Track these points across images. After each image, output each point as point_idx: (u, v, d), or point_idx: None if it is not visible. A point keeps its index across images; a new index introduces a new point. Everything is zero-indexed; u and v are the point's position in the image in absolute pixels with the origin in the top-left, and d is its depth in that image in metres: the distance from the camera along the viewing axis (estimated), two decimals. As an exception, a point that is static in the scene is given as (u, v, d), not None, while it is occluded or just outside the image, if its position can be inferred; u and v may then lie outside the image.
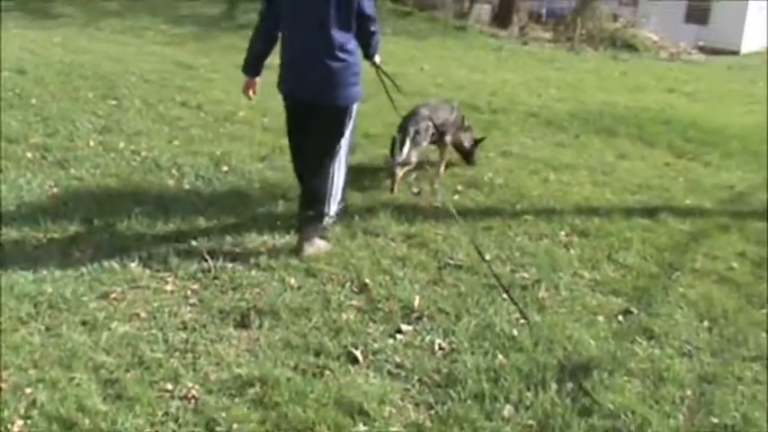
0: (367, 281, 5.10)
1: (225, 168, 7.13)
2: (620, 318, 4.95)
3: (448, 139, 7.34)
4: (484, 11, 26.66)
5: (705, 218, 6.90)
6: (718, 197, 7.56)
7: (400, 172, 6.88)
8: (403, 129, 6.84)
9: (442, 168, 7.38)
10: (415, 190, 6.85)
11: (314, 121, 5.39)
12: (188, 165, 7.10)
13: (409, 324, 4.64)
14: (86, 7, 18.99)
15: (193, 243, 5.49)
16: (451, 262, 5.53)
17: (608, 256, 5.90)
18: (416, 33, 20.31)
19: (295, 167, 5.78)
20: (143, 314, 4.53)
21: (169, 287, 4.89)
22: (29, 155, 6.96)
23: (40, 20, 16.66)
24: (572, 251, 5.92)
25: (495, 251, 5.78)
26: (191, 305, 4.70)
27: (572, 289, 5.30)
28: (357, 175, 7.06)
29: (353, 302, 4.85)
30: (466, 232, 5.91)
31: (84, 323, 4.40)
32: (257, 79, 5.63)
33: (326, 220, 5.62)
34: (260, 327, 4.49)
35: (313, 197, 5.54)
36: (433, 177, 7.20)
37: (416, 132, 6.85)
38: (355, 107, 5.45)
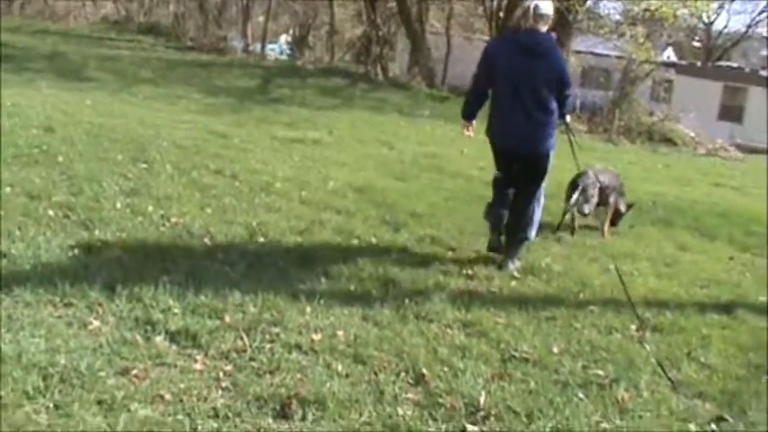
0: (424, 371, 4.45)
1: (261, 240, 6.59)
2: (714, 426, 4.31)
3: (612, 200, 8.35)
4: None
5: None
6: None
7: (577, 221, 8.20)
8: (574, 183, 7.94)
9: (606, 229, 8.39)
10: (470, 273, 6.28)
11: (520, 165, 6.68)
12: (222, 234, 6.56)
13: (475, 424, 4.00)
14: (119, 73, 18.81)
15: (227, 319, 4.87)
16: (516, 354, 4.90)
17: (687, 354, 5.29)
18: (454, 118, 19.68)
19: (495, 202, 6.86)
20: (168, 396, 3.88)
21: (198, 366, 4.25)
22: (50, 213, 6.39)
23: (72, 81, 16.45)
24: (647, 347, 5.27)
25: (562, 344, 5.16)
26: (223, 389, 4.06)
27: (653, 390, 4.65)
28: (405, 256, 6.68)
29: (410, 395, 4.20)
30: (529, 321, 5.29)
31: (99, 402, 3.74)
32: (474, 122, 6.86)
33: (526, 244, 6.90)
34: (303, 418, 3.85)
35: (518, 226, 6.76)
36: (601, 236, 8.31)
37: (585, 188, 7.87)
38: (552, 154, 6.64)
